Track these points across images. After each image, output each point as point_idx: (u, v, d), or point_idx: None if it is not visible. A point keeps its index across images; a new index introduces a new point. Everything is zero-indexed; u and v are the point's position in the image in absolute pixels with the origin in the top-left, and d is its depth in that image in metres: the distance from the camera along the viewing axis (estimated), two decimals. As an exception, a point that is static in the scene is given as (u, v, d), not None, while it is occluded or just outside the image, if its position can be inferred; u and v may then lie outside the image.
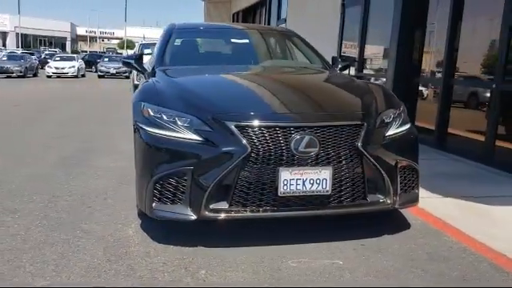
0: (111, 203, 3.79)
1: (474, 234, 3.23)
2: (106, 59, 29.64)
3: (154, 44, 16.83)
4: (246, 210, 2.86)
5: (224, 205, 2.85)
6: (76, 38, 78.98)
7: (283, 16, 13.63)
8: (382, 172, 2.97)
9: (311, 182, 2.82)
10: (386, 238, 3.14)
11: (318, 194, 2.86)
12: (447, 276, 2.62)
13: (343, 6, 9.42)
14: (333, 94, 3.49)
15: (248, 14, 19.33)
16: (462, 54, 6.26)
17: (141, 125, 3.07)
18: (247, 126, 2.81)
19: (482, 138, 5.64)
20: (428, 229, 3.34)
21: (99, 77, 27.24)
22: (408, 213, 3.57)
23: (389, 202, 3.04)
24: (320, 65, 4.55)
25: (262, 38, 5.02)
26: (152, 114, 3.05)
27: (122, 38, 75.92)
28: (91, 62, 34.89)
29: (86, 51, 59.04)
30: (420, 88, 7.28)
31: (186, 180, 2.82)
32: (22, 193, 3.99)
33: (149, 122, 3.02)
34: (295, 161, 2.81)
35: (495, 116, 5.47)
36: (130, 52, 55.34)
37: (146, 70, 4.30)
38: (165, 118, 2.98)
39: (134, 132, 3.15)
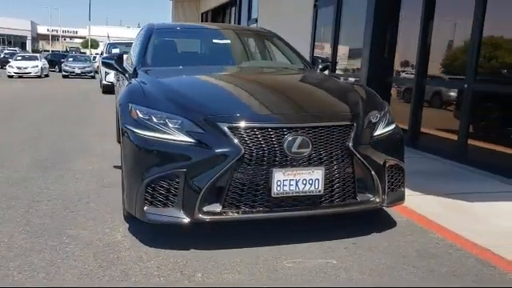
0: (94, 207, 3.71)
1: (458, 231, 3.32)
2: (71, 59, 28.91)
3: (122, 43, 16.58)
4: (239, 212, 2.85)
5: (217, 207, 2.83)
6: (37, 37, 76.72)
7: (254, 16, 13.65)
8: (372, 171, 3.02)
9: (304, 182, 2.84)
10: (375, 237, 3.20)
11: (311, 194, 2.88)
12: (437, 272, 2.69)
13: (315, 6, 9.51)
14: (321, 94, 3.52)
15: (217, 14, 19.27)
16: (434, 54, 6.44)
17: (129, 127, 3.02)
18: (240, 127, 2.80)
19: (454, 137, 5.81)
20: (414, 226, 3.42)
21: (64, 77, 26.54)
22: (392, 211, 3.64)
23: (377, 200, 3.10)
24: (301, 65, 4.58)
25: (242, 38, 5.01)
26: (141, 115, 3.00)
27: (85, 37, 74.29)
28: (54, 61, 34.02)
29: (48, 50, 57.51)
30: (393, 87, 7.44)
31: (178, 182, 2.79)
32: (-1, 198, 3.86)
33: (138, 124, 2.97)
34: (288, 161, 2.82)
35: (467, 115, 5.64)
36: (94, 51, 54.30)
37: (127, 70, 4.23)
38: (154, 119, 2.94)
39: (122, 134, 3.09)
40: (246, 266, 2.70)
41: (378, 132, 3.16)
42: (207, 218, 2.82)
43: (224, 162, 2.74)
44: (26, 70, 24.92)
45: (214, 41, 4.82)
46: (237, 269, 2.67)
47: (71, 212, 3.58)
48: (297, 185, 2.83)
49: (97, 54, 42.50)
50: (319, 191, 2.89)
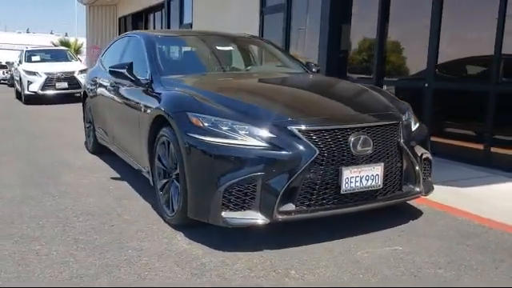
0: (130, 219, 3.62)
1: (475, 212, 3.76)
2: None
3: (42, 51, 15.55)
4: (310, 210, 3.01)
5: (290, 206, 2.97)
6: None
7: (187, 21, 13.59)
8: (415, 164, 3.36)
9: (367, 178, 3.09)
10: (415, 224, 3.52)
11: (372, 188, 3.14)
12: (489, 248, 3.07)
13: (262, 13, 9.78)
14: (362, 96, 3.78)
15: (139, 19, 18.82)
16: (392, 54, 7.00)
17: (195, 135, 3.04)
18: (310, 130, 2.98)
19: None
20: (438, 212, 3.79)
21: (-40, 88, 24.20)
22: (410, 201, 3.98)
23: (418, 190, 3.43)
24: (300, 69, 4.82)
25: (240, 44, 5.13)
26: (206, 124, 3.05)
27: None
28: None
29: None
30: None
31: (255, 186, 2.89)
32: (18, 219, 3.61)
33: (205, 132, 3.02)
34: (354, 160, 3.05)
35: (429, 113, 6.24)
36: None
37: (139, 79, 4.15)
38: (222, 127, 3.00)
39: (185, 143, 3.08)
40: (328, 261, 2.87)
41: (413, 128, 3.51)
42: (284, 217, 2.95)
43: (300, 164, 2.90)
44: None
45: (218, 48, 4.89)
46: (323, 263, 2.83)
47: (112, 226, 3.48)
48: (361, 181, 3.07)
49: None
50: (379, 186, 3.15)
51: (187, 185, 3.10)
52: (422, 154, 3.46)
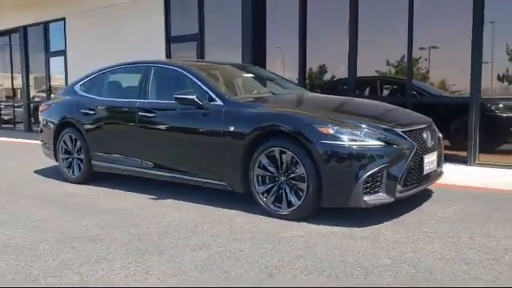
0: (246, 222, 4.07)
1: (465, 184, 5.35)
2: None
3: None
4: (409, 189, 4.14)
5: (399, 188, 4.05)
6: None
7: (57, 48, 12.97)
8: (443, 151, 4.79)
9: (431, 162, 4.38)
10: (438, 196, 4.86)
11: (432, 170, 4.43)
12: (502, 201, 4.62)
13: (168, 42, 10.25)
14: (395, 107, 5.05)
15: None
16: (317, 67, 8.44)
17: (326, 141, 3.90)
18: (407, 130, 4.15)
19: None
20: (443, 188, 5.09)
21: None
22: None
23: (442, 170, 4.86)
24: (303, 89, 5.94)
25: (254, 71, 6.02)
26: (332, 131, 3.93)
27: None
28: None
29: None
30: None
31: (382, 174, 3.90)
32: (133, 239, 3.71)
33: (334, 138, 3.90)
34: (427, 149, 4.30)
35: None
36: None
37: (203, 103, 4.67)
38: (347, 132, 3.93)
39: (320, 150, 3.88)
40: (433, 221, 4.01)
41: (431, 124, 4.94)
42: (399, 195, 4.02)
43: (408, 155, 4.02)
44: None
45: (243, 74, 5.67)
46: (432, 223, 3.96)
47: (241, 227, 3.93)
48: (429, 165, 4.34)
49: None
50: (435, 168, 4.48)
51: (322, 181, 3.91)
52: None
